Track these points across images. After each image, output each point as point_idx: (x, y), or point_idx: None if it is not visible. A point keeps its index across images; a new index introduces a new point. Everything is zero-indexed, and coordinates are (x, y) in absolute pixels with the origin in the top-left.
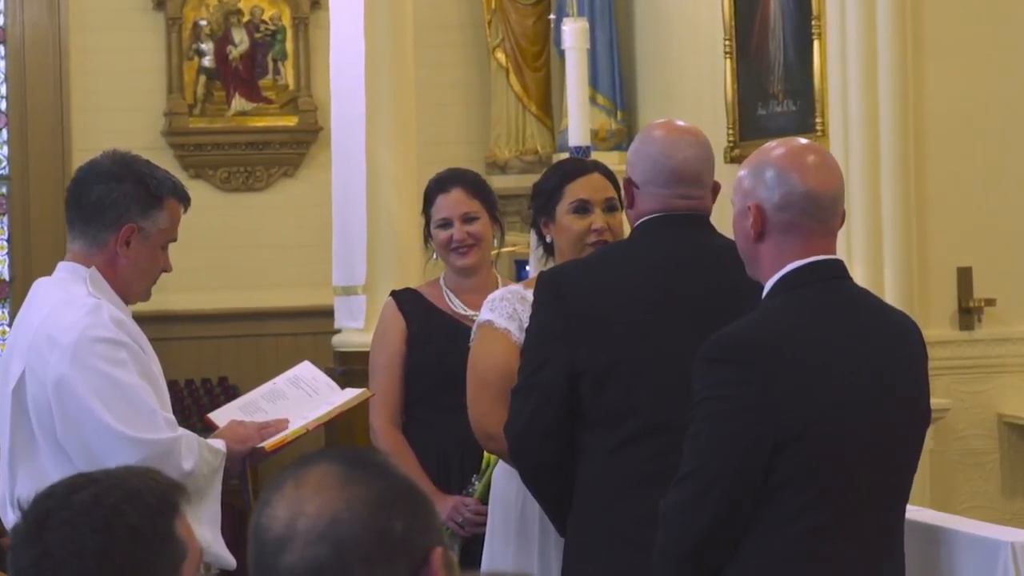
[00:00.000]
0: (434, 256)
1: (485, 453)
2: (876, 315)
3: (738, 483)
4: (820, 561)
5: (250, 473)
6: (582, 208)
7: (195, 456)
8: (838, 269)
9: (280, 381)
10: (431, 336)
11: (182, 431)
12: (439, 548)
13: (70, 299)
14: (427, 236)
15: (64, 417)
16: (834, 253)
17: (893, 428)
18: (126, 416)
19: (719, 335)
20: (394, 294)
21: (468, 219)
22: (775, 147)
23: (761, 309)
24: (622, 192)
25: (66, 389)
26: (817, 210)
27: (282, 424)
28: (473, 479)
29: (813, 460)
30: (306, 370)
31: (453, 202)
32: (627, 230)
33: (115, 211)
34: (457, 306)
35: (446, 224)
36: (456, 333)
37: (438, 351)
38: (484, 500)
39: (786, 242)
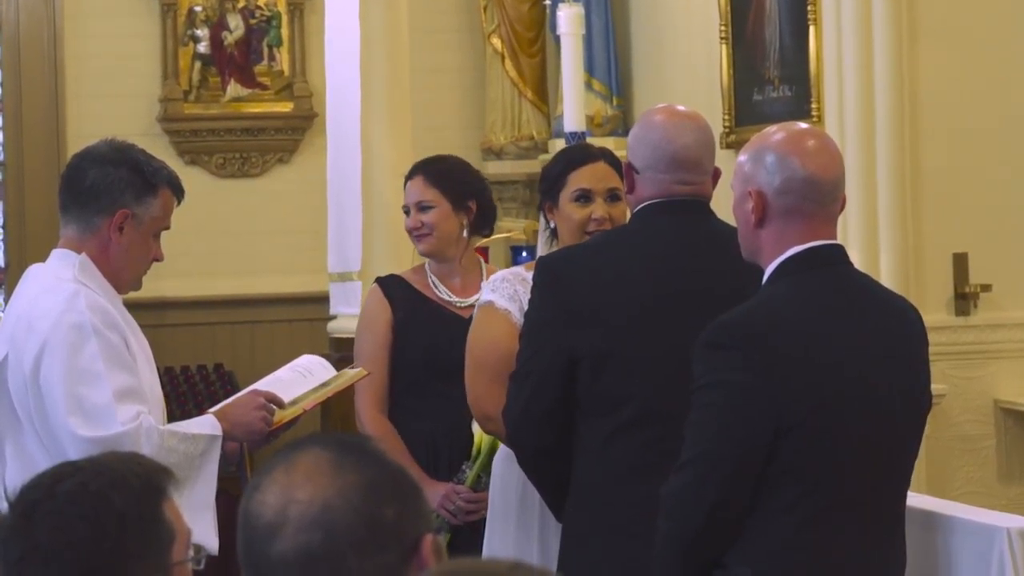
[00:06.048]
0: None
1: (475, 440)
2: (877, 300)
3: (739, 468)
4: (822, 547)
5: (248, 460)
6: (584, 197)
7: (153, 447)
8: (839, 254)
9: (280, 372)
10: (417, 323)
11: (141, 422)
12: (429, 535)
13: (53, 285)
14: None
15: (34, 402)
16: (835, 238)
17: (894, 413)
18: (79, 410)
19: (721, 320)
20: (379, 280)
21: (422, 207)
22: (775, 131)
23: (762, 294)
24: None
25: (35, 376)
26: (818, 195)
27: (273, 396)
28: (464, 466)
29: (815, 446)
30: (304, 359)
31: (410, 190)
32: (629, 216)
33: (110, 196)
34: (442, 292)
35: (408, 211)
36: (442, 319)
37: (425, 338)
38: (476, 488)
39: (787, 227)
